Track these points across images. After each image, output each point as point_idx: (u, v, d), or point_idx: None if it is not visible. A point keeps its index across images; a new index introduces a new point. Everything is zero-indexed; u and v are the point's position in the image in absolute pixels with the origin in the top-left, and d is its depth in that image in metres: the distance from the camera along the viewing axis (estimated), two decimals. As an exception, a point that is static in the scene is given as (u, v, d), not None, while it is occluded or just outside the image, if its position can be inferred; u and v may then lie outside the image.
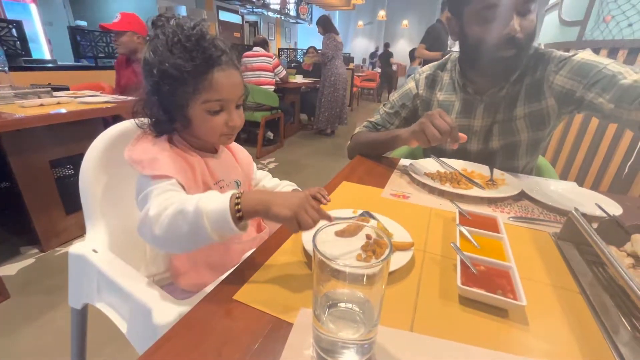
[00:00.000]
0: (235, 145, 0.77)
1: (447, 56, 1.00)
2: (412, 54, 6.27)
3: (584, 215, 0.54)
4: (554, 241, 0.58)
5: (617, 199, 0.72)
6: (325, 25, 3.96)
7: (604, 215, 0.60)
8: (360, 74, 7.99)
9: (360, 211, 0.63)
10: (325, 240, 0.49)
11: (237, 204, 0.44)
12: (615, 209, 0.66)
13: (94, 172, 0.64)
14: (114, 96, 2.00)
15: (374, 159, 1.00)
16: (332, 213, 0.62)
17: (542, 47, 0.91)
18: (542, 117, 0.86)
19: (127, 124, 0.71)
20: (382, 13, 10.06)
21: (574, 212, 0.56)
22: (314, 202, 0.45)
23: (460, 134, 0.74)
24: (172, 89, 0.55)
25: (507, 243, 0.51)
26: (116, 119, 1.81)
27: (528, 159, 0.94)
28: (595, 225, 0.54)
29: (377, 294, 0.32)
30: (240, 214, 0.44)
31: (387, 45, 9.17)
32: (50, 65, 3.22)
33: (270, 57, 3.58)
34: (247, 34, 9.54)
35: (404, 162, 0.97)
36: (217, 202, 0.44)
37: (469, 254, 0.48)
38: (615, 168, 1.87)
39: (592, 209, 0.65)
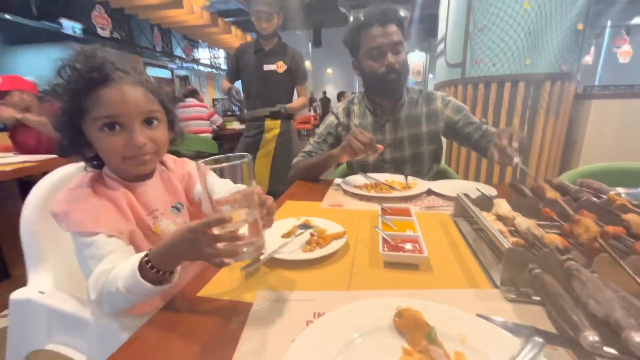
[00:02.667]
0: (175, 162, 0.74)
1: (353, 95, 1.31)
2: (340, 96, 7.01)
3: (466, 195, 0.73)
4: (451, 219, 0.76)
5: (495, 186, 0.95)
6: None
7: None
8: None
9: (302, 218, 0.73)
10: (274, 240, 0.59)
11: (148, 262, 0.45)
12: (492, 192, 0.88)
13: (37, 216, 0.64)
14: (34, 155, 1.86)
15: (313, 182, 1.14)
16: (279, 223, 0.72)
17: (437, 84, 1.24)
18: (437, 135, 1.19)
19: (69, 168, 0.73)
20: (307, 63, 11.08)
21: (460, 194, 0.74)
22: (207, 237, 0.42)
23: (378, 145, 0.96)
24: (62, 110, 0.55)
25: (416, 222, 0.66)
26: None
27: (431, 165, 1.23)
28: (474, 201, 0.72)
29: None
30: (155, 270, 0.45)
31: (324, 93, 10.78)
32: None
33: (205, 107, 3.68)
34: (178, 88, 9.55)
35: (338, 180, 1.12)
36: (125, 272, 0.46)
37: (388, 232, 0.61)
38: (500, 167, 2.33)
39: (476, 194, 0.85)
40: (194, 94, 3.76)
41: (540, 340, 0.34)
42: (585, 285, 0.37)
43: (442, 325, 0.36)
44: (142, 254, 0.47)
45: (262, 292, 0.48)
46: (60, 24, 5.25)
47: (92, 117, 0.55)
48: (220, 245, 0.41)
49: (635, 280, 0.41)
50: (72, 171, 0.73)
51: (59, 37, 5.56)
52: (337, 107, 1.28)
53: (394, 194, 0.92)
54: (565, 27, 2.14)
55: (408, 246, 0.57)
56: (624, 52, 6.78)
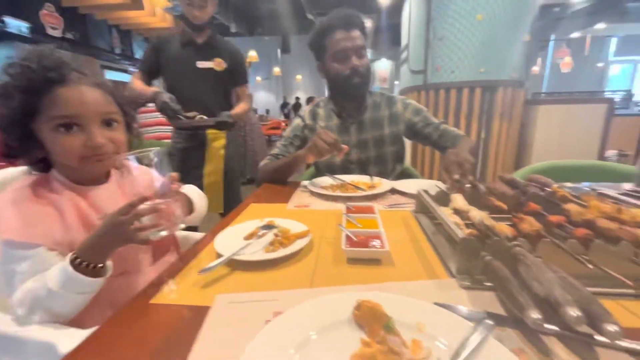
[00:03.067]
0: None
1: (317, 99, 1.32)
2: (308, 101, 7.11)
3: (426, 191, 0.75)
4: (413, 215, 0.78)
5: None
6: None
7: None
8: (265, 123, 8.42)
9: (266, 219, 0.72)
10: (236, 242, 0.58)
11: (76, 258, 0.49)
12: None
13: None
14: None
15: (280, 184, 1.13)
16: (242, 225, 0.70)
17: (401, 89, 1.29)
18: (399, 136, 1.24)
19: (3, 174, 0.66)
20: (276, 69, 11.06)
21: (420, 191, 0.77)
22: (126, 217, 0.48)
23: (343, 145, 0.97)
24: (11, 109, 0.52)
25: (379, 219, 0.67)
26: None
27: (394, 165, 1.27)
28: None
29: None
30: (86, 264, 0.49)
31: (297, 99, 10.90)
32: None
33: (168, 111, 3.52)
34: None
35: (305, 182, 1.12)
36: (56, 272, 0.48)
37: (352, 229, 0.61)
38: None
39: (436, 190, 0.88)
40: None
41: (490, 322, 0.35)
42: (530, 268, 0.40)
43: (400, 315, 0.37)
44: (69, 255, 0.49)
45: (220, 295, 0.46)
46: (3, 22, 4.82)
47: (48, 117, 0.54)
48: (143, 219, 0.48)
49: (576, 258, 0.45)
50: (6, 177, 0.66)
51: (4, 36, 5.11)
52: (304, 110, 1.30)
53: (360, 193, 0.93)
54: (514, 38, 2.32)
55: (371, 242, 0.58)
56: (565, 64, 7.48)
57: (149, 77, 1.57)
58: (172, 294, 0.47)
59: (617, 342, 0.33)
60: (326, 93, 1.30)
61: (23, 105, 0.52)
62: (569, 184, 0.92)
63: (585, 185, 0.97)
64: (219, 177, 1.64)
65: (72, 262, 0.48)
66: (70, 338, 0.44)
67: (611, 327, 0.31)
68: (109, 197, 0.62)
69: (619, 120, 3.40)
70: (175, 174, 0.54)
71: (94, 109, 0.57)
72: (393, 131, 1.22)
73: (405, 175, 1.38)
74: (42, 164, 0.60)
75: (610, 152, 3.29)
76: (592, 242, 0.46)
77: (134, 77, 1.54)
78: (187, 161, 1.57)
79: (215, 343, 0.36)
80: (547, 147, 2.56)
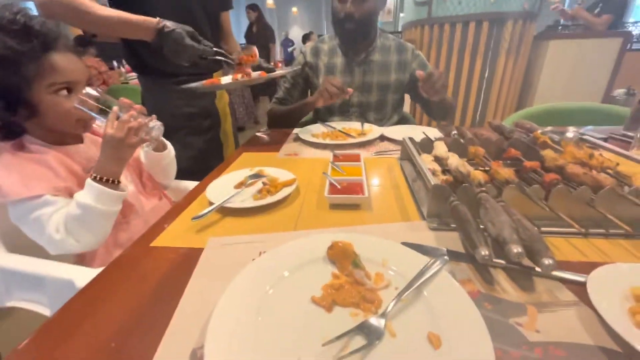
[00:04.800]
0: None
1: (325, 35, 1.27)
2: (305, 38, 6.64)
3: (411, 139, 0.77)
4: (398, 162, 0.81)
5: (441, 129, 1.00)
6: None
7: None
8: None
9: (256, 169, 0.75)
10: (227, 191, 0.61)
11: (95, 177, 0.57)
12: (437, 134, 0.93)
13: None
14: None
15: (285, 128, 1.17)
16: (233, 174, 0.73)
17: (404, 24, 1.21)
18: (403, 84, 1.22)
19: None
20: (270, 1, 10.09)
21: (405, 138, 0.78)
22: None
23: (348, 89, 1.01)
24: (5, 74, 0.52)
25: (363, 167, 0.70)
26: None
27: (392, 113, 1.28)
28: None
29: None
30: (107, 179, 0.58)
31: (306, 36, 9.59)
32: None
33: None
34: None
35: (296, 130, 1.12)
36: (85, 191, 0.57)
37: (336, 177, 0.65)
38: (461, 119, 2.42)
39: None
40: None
41: (446, 258, 0.40)
42: (488, 212, 0.43)
43: (368, 253, 0.42)
44: (89, 177, 0.57)
45: (213, 238, 0.51)
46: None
47: (49, 83, 0.56)
48: (129, 125, 0.57)
49: (535, 202, 0.49)
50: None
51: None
52: (306, 46, 1.27)
53: (349, 140, 0.95)
54: (530, -41, 2.08)
55: (353, 189, 0.61)
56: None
57: None
58: (170, 238, 0.52)
59: (552, 272, 0.38)
60: (325, 29, 1.25)
61: (32, 70, 0.54)
62: (571, 128, 0.95)
63: (575, 130, 0.97)
64: (232, 144, 1.30)
65: (94, 180, 0.57)
66: (84, 274, 0.51)
67: (546, 261, 0.36)
68: (88, 152, 0.67)
69: (633, 55, 3.20)
70: (125, 99, 0.62)
71: (83, 76, 0.61)
72: (399, 78, 1.20)
73: (402, 121, 1.37)
74: (5, 130, 0.60)
75: (619, 91, 3.17)
76: (554, 187, 0.49)
77: None
78: (201, 133, 1.13)
79: (207, 279, 0.42)
80: (552, 87, 2.47)
